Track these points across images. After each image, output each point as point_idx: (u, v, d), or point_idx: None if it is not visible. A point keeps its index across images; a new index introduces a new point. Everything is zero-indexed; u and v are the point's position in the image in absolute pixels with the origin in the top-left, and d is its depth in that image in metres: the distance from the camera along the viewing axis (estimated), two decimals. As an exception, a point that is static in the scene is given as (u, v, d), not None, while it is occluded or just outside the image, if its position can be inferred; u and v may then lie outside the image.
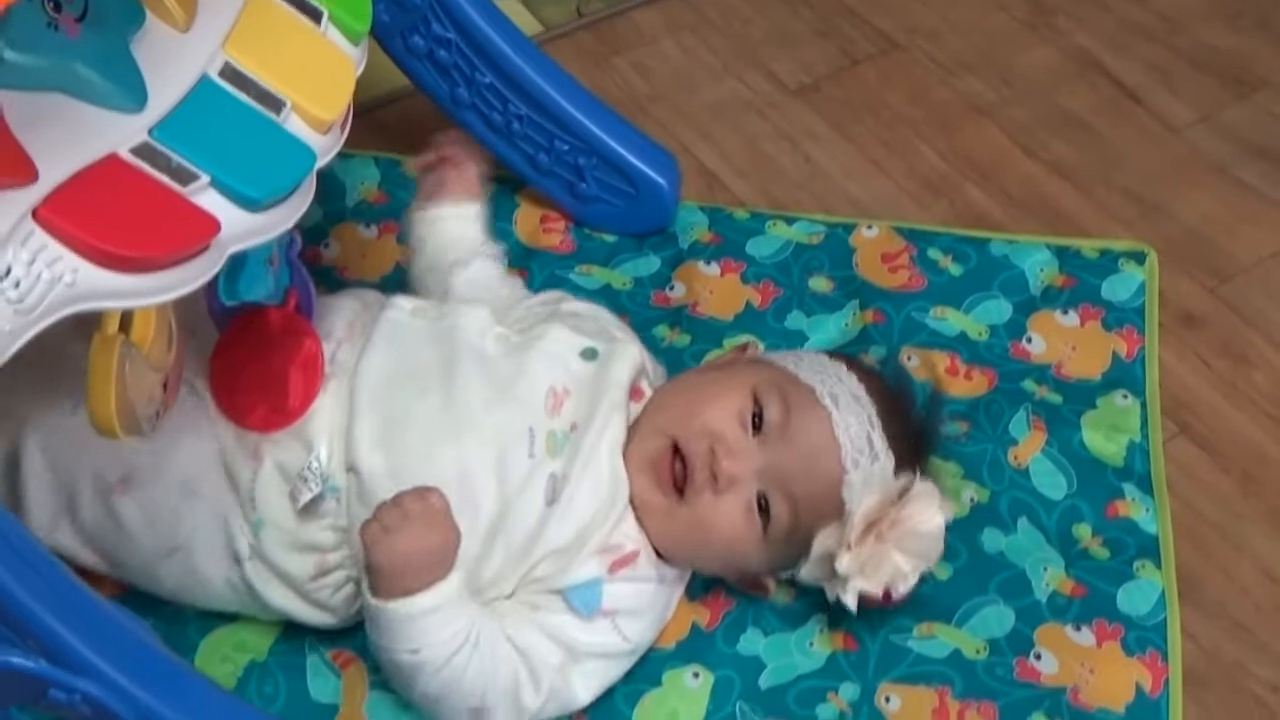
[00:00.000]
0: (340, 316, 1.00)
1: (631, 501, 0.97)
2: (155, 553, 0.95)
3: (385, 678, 0.95)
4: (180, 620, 1.00)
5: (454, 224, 1.12)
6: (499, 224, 1.28)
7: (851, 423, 0.96)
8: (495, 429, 0.95)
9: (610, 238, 1.30)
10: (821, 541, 0.96)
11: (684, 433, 0.96)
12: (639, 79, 1.50)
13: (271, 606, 0.97)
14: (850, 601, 0.96)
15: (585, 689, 0.95)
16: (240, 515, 0.94)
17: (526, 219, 1.31)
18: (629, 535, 0.96)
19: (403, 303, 1.03)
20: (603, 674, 0.96)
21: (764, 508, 0.96)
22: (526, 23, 1.54)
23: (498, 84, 1.23)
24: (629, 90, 1.48)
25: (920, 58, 1.54)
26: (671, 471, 0.96)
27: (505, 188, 1.33)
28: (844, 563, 0.95)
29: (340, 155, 1.29)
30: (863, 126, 1.46)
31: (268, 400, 0.94)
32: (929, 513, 0.95)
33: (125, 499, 0.94)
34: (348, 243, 1.28)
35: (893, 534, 0.94)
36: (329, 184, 1.32)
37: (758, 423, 0.97)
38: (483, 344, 1.00)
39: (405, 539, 0.87)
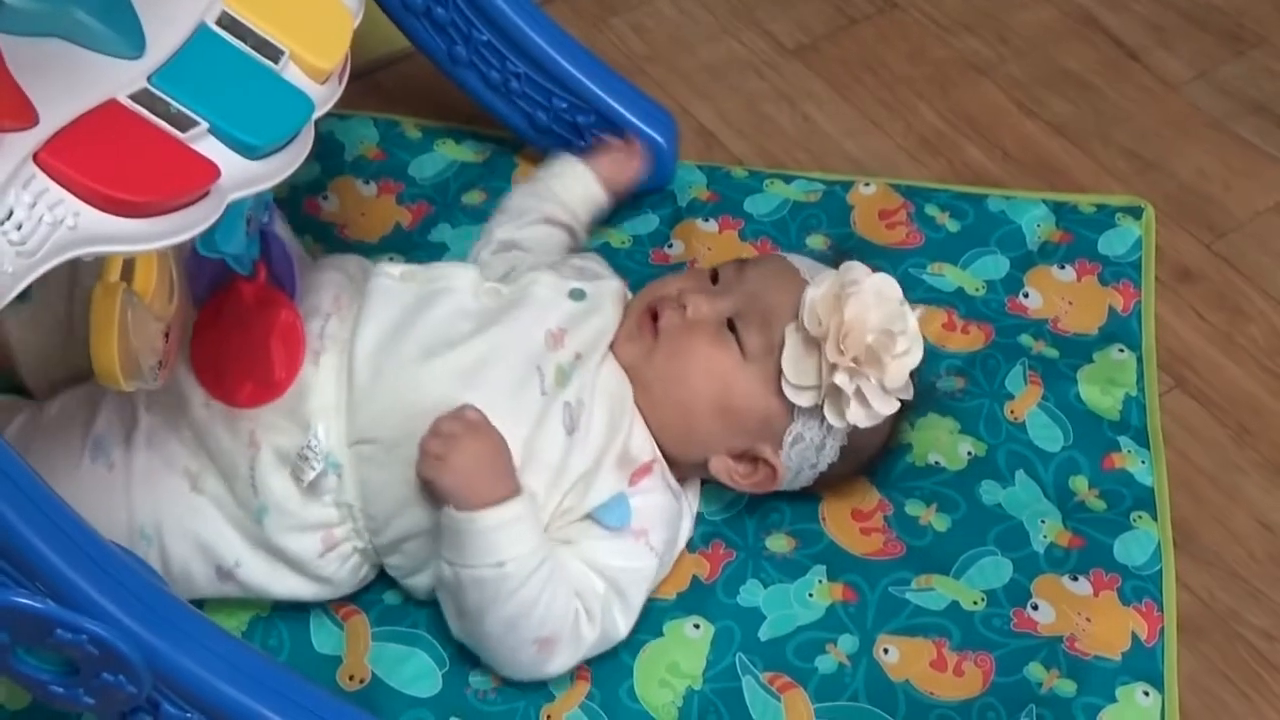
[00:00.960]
0: (325, 290, 1.00)
1: (637, 403, 0.99)
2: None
3: (450, 616, 0.95)
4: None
5: (585, 186, 1.18)
6: (497, 184, 1.29)
7: (806, 260, 1.03)
8: (502, 376, 0.96)
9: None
10: (791, 338, 0.97)
11: (656, 295, 1.02)
12: (636, 39, 1.49)
13: (275, 597, 0.97)
14: (850, 407, 0.96)
15: (625, 620, 0.97)
16: (239, 509, 0.94)
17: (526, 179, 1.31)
18: (642, 446, 0.99)
19: (390, 269, 1.02)
20: (639, 600, 0.98)
21: (734, 330, 0.99)
22: (524, -16, 1.53)
23: (495, 41, 1.22)
24: (626, 50, 1.48)
25: (918, 17, 1.54)
26: (649, 324, 1.01)
27: (504, 148, 1.33)
28: (827, 351, 0.95)
29: (338, 116, 1.33)
30: (861, 86, 1.46)
31: (254, 375, 0.94)
32: (874, 279, 0.97)
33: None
34: (346, 198, 1.28)
35: (852, 306, 0.95)
36: (328, 143, 1.32)
37: (716, 280, 1.03)
38: (476, 301, 1.00)
39: (460, 456, 0.90)
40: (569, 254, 1.14)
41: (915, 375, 1.00)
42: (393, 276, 1.01)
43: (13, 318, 0.97)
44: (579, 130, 1.26)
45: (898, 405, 0.98)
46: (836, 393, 0.96)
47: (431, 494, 0.92)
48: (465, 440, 0.91)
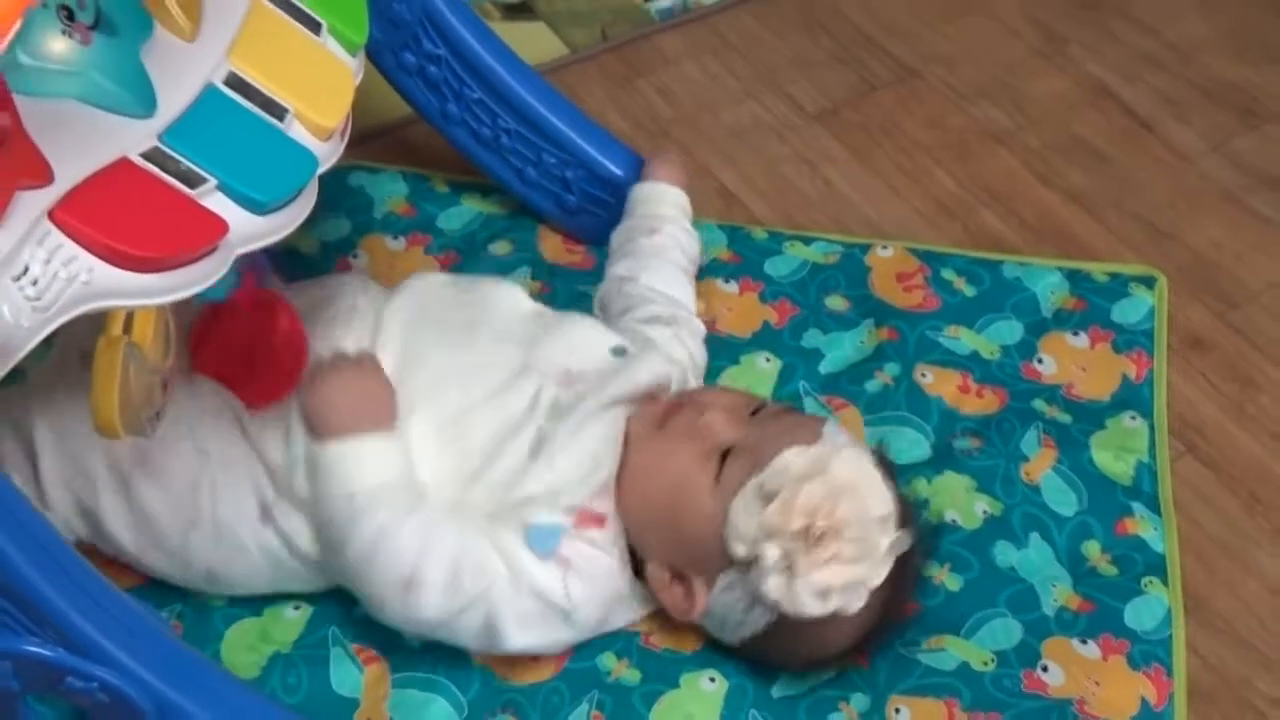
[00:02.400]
0: (352, 281, 1.05)
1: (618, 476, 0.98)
2: (180, 527, 0.96)
3: (325, 555, 0.95)
4: (206, 610, 1.01)
5: (661, 192, 1.20)
6: (523, 235, 1.30)
7: (848, 441, 0.99)
8: (503, 384, 0.98)
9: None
10: (751, 485, 0.93)
11: (692, 396, 1.03)
12: (662, 101, 1.51)
13: (300, 550, 0.97)
14: (768, 582, 0.91)
15: (518, 629, 0.94)
16: (271, 464, 0.96)
17: (549, 238, 1.32)
18: (602, 507, 0.97)
19: (436, 275, 1.07)
20: (537, 624, 0.95)
21: (724, 460, 0.96)
22: (553, 46, 1.55)
23: (486, 99, 1.24)
24: (652, 112, 1.49)
25: (937, 85, 1.55)
26: (668, 415, 1.00)
27: (528, 210, 1.33)
28: (769, 512, 0.91)
29: (369, 170, 1.34)
30: (880, 151, 1.47)
31: (261, 379, 0.96)
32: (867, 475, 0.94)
33: (142, 482, 0.96)
34: (376, 253, 1.29)
35: (814, 485, 0.91)
36: (358, 198, 1.33)
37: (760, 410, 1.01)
38: (512, 317, 1.03)
39: (330, 383, 0.93)
40: (650, 319, 1.13)
41: (895, 587, 0.95)
42: (435, 280, 1.06)
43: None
44: (567, 184, 1.28)
45: (827, 610, 0.91)
46: (762, 559, 0.92)
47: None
48: (345, 374, 0.93)
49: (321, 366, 0.94)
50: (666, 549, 0.98)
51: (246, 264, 0.96)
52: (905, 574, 0.97)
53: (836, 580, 0.91)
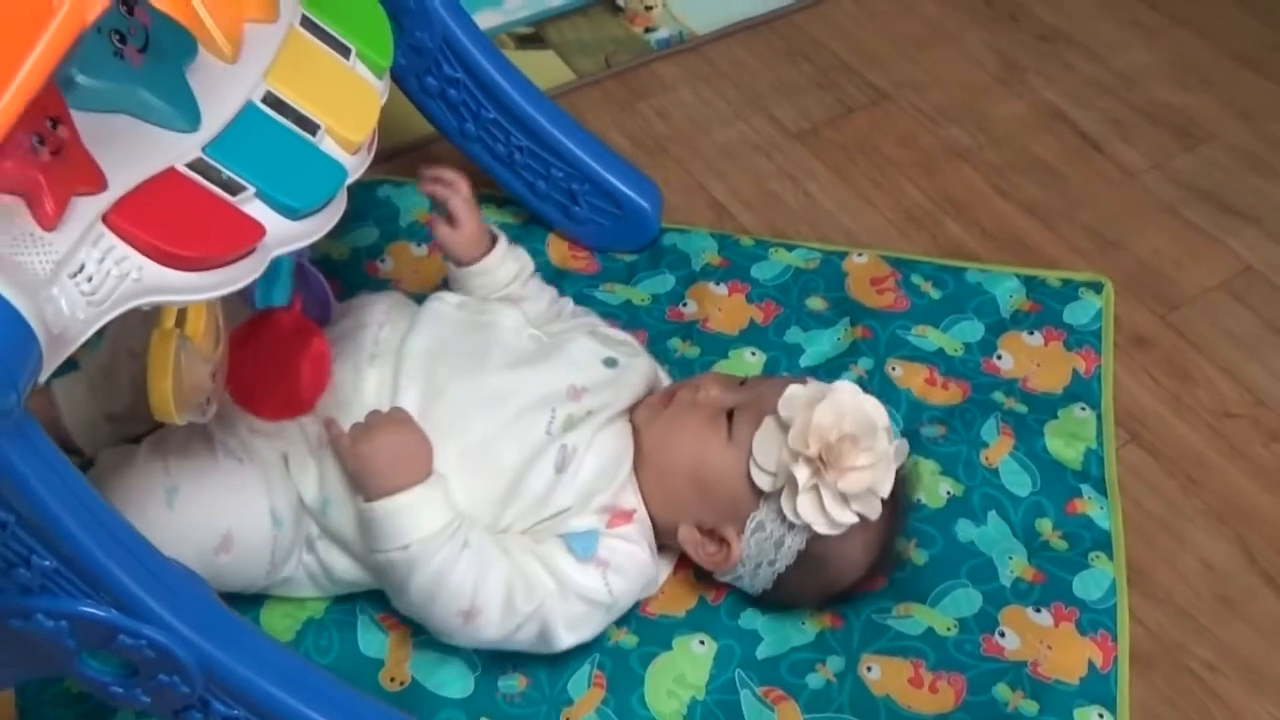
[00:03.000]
0: (378, 306, 1.02)
1: (635, 468, 0.98)
2: (256, 580, 0.95)
3: (390, 595, 0.94)
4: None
5: (489, 277, 1.09)
6: (534, 244, 1.29)
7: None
8: (519, 408, 0.96)
9: (629, 257, 1.31)
10: (767, 423, 0.94)
11: (685, 382, 1.03)
12: (660, 122, 1.50)
13: (340, 579, 0.97)
14: (802, 501, 0.92)
15: (568, 631, 0.94)
16: (309, 505, 0.94)
17: (556, 244, 1.32)
18: (628, 499, 0.97)
19: (449, 297, 1.04)
20: (584, 622, 0.95)
21: (731, 418, 0.97)
22: (560, 72, 1.54)
23: (500, 119, 1.23)
24: (650, 131, 1.48)
25: (907, 108, 1.55)
26: (667, 400, 1.00)
27: (539, 220, 1.33)
28: (791, 439, 0.92)
29: (394, 183, 1.34)
30: (856, 167, 1.46)
31: (279, 393, 0.95)
32: (861, 396, 0.95)
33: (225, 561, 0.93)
34: (401, 259, 1.28)
35: (826, 406, 0.92)
36: (385, 209, 1.33)
37: (745, 382, 1.02)
38: (518, 340, 1.01)
39: (370, 442, 0.90)
40: (603, 326, 1.12)
41: (891, 513, 0.96)
42: (449, 304, 1.03)
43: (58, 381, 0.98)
44: (573, 196, 1.28)
45: (853, 519, 0.93)
46: (793, 483, 0.93)
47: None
48: (382, 432, 0.90)
49: (360, 428, 0.91)
50: (694, 511, 0.98)
51: (304, 289, 0.97)
52: (900, 497, 0.98)
53: (858, 486, 0.92)
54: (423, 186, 1.09)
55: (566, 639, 0.95)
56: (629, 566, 0.96)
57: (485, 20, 1.57)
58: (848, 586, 1.00)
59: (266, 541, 0.93)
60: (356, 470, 0.90)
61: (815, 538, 0.95)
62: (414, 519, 0.89)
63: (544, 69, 1.53)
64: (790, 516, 0.94)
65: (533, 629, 0.93)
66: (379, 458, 0.90)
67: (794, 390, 0.95)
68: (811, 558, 0.96)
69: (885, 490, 0.94)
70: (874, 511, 0.94)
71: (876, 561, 1.00)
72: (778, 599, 1.01)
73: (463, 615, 0.91)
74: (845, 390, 0.95)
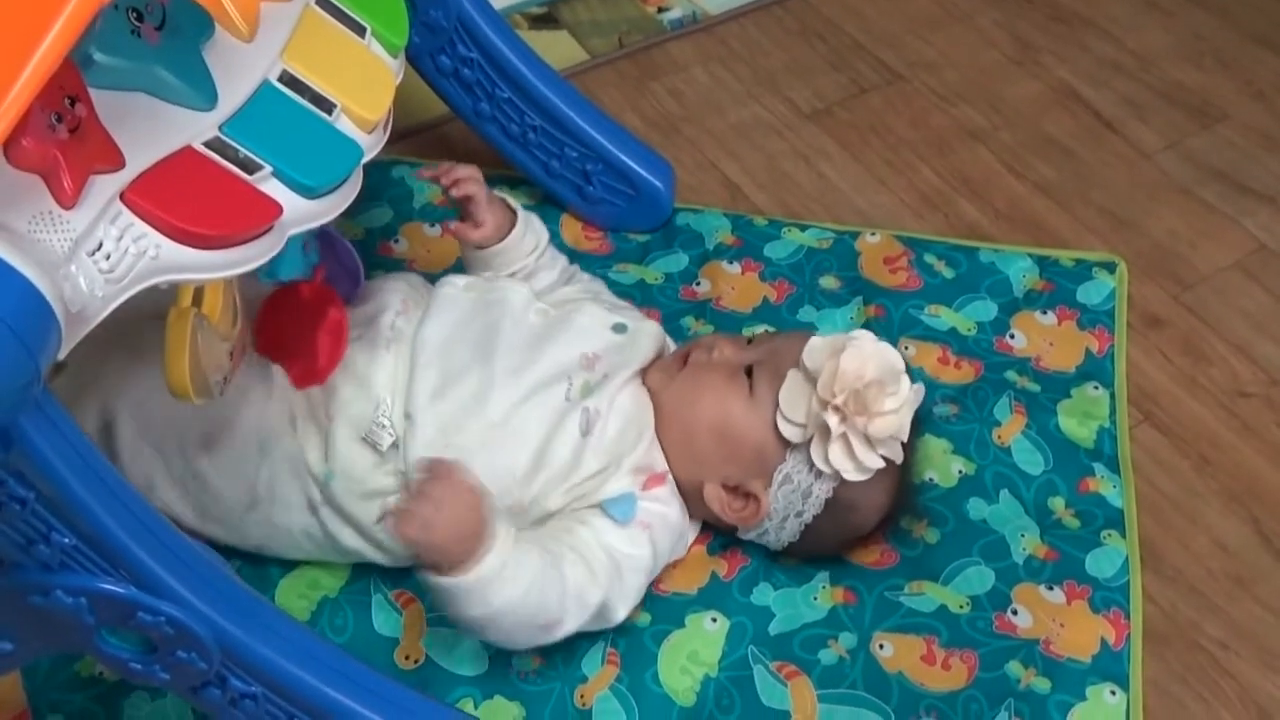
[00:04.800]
0: (394, 293, 1.02)
1: (656, 428, 0.98)
2: (238, 507, 0.96)
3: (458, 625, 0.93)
4: (263, 562, 1.00)
5: (508, 255, 1.09)
6: (549, 225, 1.28)
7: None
8: (536, 381, 0.96)
9: (643, 237, 1.30)
10: (792, 376, 0.95)
11: (695, 343, 1.03)
12: (673, 102, 1.50)
13: (344, 547, 0.97)
14: (834, 450, 0.94)
15: (623, 606, 0.95)
16: (311, 469, 0.95)
17: (570, 225, 1.32)
18: (658, 461, 0.98)
19: (456, 280, 1.04)
20: (634, 593, 0.96)
21: (750, 375, 0.98)
22: (575, 52, 1.54)
23: (515, 98, 1.23)
24: (664, 112, 1.48)
25: (921, 88, 1.54)
26: (681, 361, 1.01)
27: (552, 200, 1.32)
28: (819, 389, 0.93)
29: (410, 164, 1.34)
30: (869, 147, 1.46)
31: (300, 361, 0.95)
32: (879, 343, 0.96)
33: (207, 462, 0.95)
34: (414, 239, 1.28)
35: (850, 354, 0.93)
36: (399, 189, 1.33)
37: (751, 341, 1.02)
38: (526, 315, 1.01)
39: (444, 527, 0.84)
40: (606, 294, 1.14)
41: (907, 457, 0.97)
42: (457, 286, 1.03)
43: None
44: (587, 176, 1.28)
45: (881, 463, 0.94)
46: (824, 433, 0.94)
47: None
48: (451, 510, 0.85)
49: (426, 500, 0.84)
50: (720, 470, 0.99)
51: (333, 262, 0.97)
52: (913, 438, 0.99)
53: (887, 430, 0.93)
54: (449, 191, 1.07)
55: (621, 612, 0.95)
56: (666, 527, 0.98)
57: (499, 0, 1.57)
58: (871, 530, 1.02)
59: (250, 466, 0.94)
60: (437, 559, 0.86)
61: (841, 484, 0.96)
62: (486, 590, 0.87)
63: (557, 49, 1.53)
64: (821, 465, 0.95)
65: (595, 615, 0.94)
66: (457, 539, 0.85)
67: (816, 341, 0.96)
68: (839, 504, 0.98)
69: (906, 434, 0.96)
70: (898, 455, 0.96)
71: (895, 505, 1.01)
72: (800, 550, 1.02)
73: (541, 630, 0.92)
74: (865, 338, 0.96)
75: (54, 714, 0.93)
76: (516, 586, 0.88)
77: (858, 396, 0.92)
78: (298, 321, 0.96)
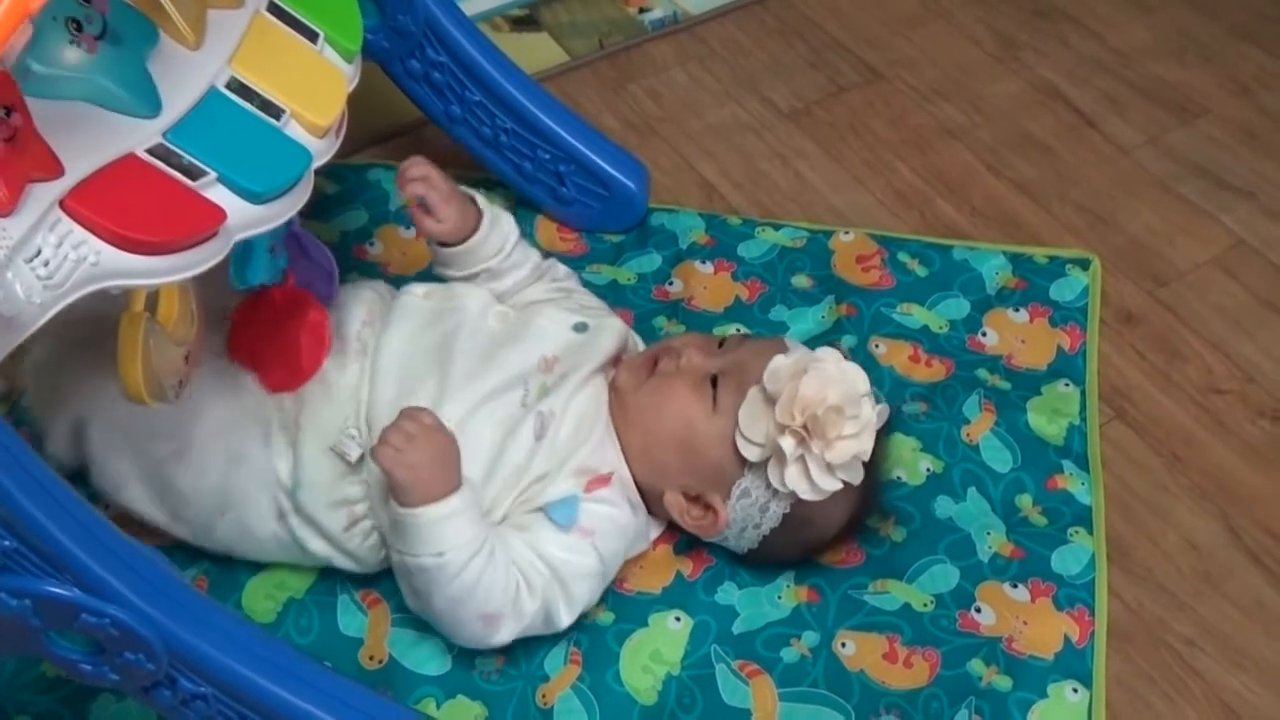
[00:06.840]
0: (362, 304, 1.02)
1: (610, 413, 0.99)
2: (207, 511, 0.97)
3: (406, 595, 0.95)
4: (230, 564, 1.01)
5: (475, 254, 1.09)
6: (524, 227, 1.29)
7: (803, 348, 1.01)
8: (491, 388, 0.97)
9: (617, 238, 1.31)
10: (753, 394, 0.95)
11: (664, 346, 1.03)
12: (650, 103, 1.50)
13: (311, 553, 0.98)
14: (790, 472, 0.94)
15: (568, 611, 0.96)
16: (280, 478, 0.95)
17: (545, 226, 1.32)
18: (606, 460, 0.98)
19: (416, 289, 1.04)
20: (582, 595, 0.96)
21: (715, 386, 0.98)
22: (555, 54, 1.55)
23: (486, 101, 1.24)
24: (641, 112, 1.49)
25: (900, 86, 1.54)
26: (650, 366, 1.01)
27: (527, 202, 1.33)
28: (778, 412, 0.93)
29: (385, 167, 1.35)
30: (847, 146, 1.46)
31: (279, 365, 0.96)
32: (844, 364, 0.96)
33: (176, 468, 0.95)
34: (389, 242, 1.29)
35: (811, 378, 0.93)
36: (375, 192, 1.33)
37: (721, 345, 1.02)
38: (484, 321, 1.02)
39: (415, 453, 0.89)
40: (578, 291, 1.14)
41: (871, 470, 0.97)
42: (416, 295, 1.04)
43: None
44: (560, 177, 1.28)
45: (839, 485, 0.95)
46: (780, 454, 0.94)
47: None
48: (421, 441, 0.89)
49: (399, 433, 0.89)
50: (680, 478, 0.99)
51: (305, 263, 0.98)
52: (878, 453, 0.99)
53: (845, 456, 0.94)
54: (402, 191, 1.08)
55: (566, 619, 0.96)
56: (611, 530, 0.98)
57: (480, 3, 1.58)
58: (830, 541, 1.02)
59: (219, 473, 0.95)
60: (402, 480, 0.89)
61: (799, 501, 0.96)
62: (455, 526, 0.90)
63: (538, 51, 1.54)
64: (777, 485, 0.95)
65: (539, 618, 0.95)
66: (424, 469, 0.89)
67: (779, 362, 0.96)
68: (795, 519, 0.98)
69: (868, 455, 0.96)
70: (857, 477, 0.96)
71: (857, 516, 1.01)
72: (761, 556, 1.02)
73: (483, 619, 0.92)
74: (829, 360, 0.96)
75: (20, 715, 0.94)
76: (468, 541, 0.90)
77: (816, 421, 0.92)
78: (273, 325, 0.97)
